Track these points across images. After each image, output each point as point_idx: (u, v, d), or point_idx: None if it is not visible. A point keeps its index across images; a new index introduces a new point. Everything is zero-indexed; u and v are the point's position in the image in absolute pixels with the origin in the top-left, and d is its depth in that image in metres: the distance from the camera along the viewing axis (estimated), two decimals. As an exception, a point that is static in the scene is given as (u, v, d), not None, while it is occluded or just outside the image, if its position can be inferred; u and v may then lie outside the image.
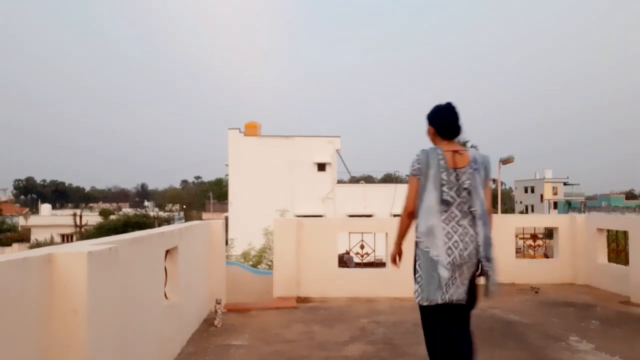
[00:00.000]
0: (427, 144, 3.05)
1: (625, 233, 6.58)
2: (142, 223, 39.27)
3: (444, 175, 2.82)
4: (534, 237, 7.92)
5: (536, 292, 6.45)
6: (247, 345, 4.21)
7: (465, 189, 2.84)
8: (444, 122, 3.00)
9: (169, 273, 3.88)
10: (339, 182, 30.77)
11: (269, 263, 13.82)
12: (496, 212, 28.59)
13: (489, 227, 2.91)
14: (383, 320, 5.05)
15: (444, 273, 2.75)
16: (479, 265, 2.88)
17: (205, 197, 67.79)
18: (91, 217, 45.95)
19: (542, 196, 72.76)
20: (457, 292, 2.80)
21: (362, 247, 6.73)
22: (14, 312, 1.83)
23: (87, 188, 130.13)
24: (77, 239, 33.41)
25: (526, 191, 77.23)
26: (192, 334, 4.48)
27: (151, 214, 50.46)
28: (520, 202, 76.77)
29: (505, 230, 7.30)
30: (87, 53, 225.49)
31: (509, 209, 68.95)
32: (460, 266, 2.80)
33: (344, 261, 8.75)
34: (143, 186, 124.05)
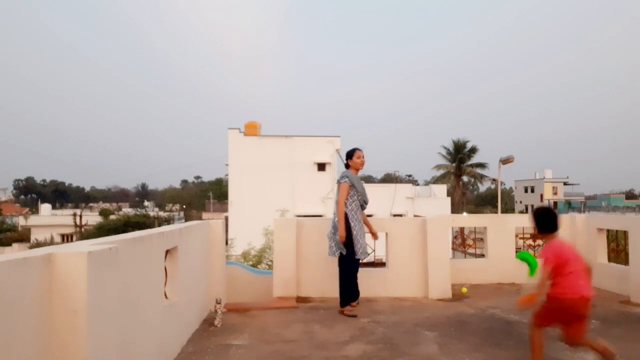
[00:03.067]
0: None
1: (625, 233, 6.58)
2: (142, 223, 39.23)
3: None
4: (534, 237, 7.92)
5: (536, 292, 6.44)
6: (247, 345, 4.21)
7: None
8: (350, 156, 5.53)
9: (169, 273, 3.88)
10: (339, 182, 30.71)
11: (269, 263, 13.81)
12: (496, 212, 28.59)
13: (335, 216, 5.39)
14: (383, 320, 5.05)
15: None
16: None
17: (205, 197, 67.75)
18: (91, 217, 45.90)
19: (542, 196, 72.70)
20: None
21: (362, 247, 6.74)
22: (14, 311, 1.83)
23: (87, 188, 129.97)
24: (77, 239, 33.39)
25: (526, 191, 77.18)
26: (192, 334, 4.48)
27: (151, 214, 50.38)
28: (520, 202, 76.71)
29: (505, 230, 7.30)
30: (87, 52, 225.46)
31: (509, 208, 68.93)
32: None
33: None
34: (143, 186, 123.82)
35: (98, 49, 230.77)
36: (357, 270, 5.47)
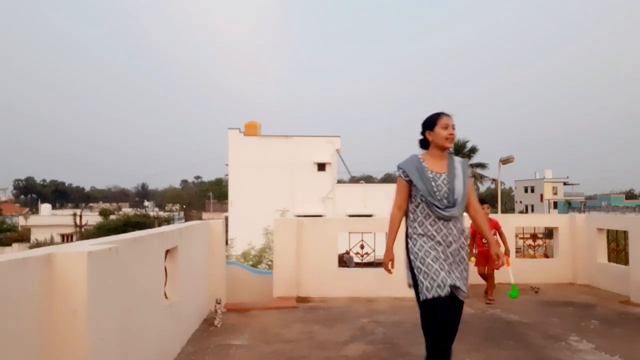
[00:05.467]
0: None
1: (625, 233, 6.58)
2: (142, 223, 39.23)
3: None
4: (534, 237, 7.92)
5: (536, 292, 6.46)
6: (247, 345, 4.21)
7: None
8: None
9: (169, 273, 3.88)
10: (339, 182, 30.77)
11: (269, 263, 13.82)
12: (496, 212, 28.62)
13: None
14: (383, 320, 5.06)
15: None
16: None
17: (205, 197, 67.79)
18: (91, 217, 45.90)
19: (542, 196, 72.78)
20: None
21: (362, 247, 6.73)
22: (14, 312, 1.83)
23: (87, 188, 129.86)
24: (77, 239, 33.40)
25: (526, 191, 77.24)
26: (192, 334, 4.49)
27: (151, 214, 50.43)
28: (520, 202, 76.77)
29: (505, 230, 7.30)
30: (86, 51, 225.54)
31: (509, 208, 69.00)
32: None
33: (344, 261, 8.75)
34: (143, 186, 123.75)
35: (98, 47, 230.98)
36: (437, 326, 3.01)
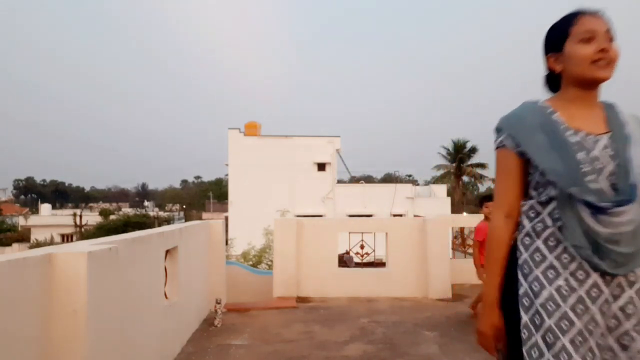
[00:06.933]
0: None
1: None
2: (142, 223, 39.22)
3: None
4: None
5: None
6: (247, 345, 4.21)
7: None
8: None
9: (169, 273, 3.88)
10: (339, 182, 30.76)
11: (269, 263, 13.82)
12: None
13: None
14: (383, 320, 5.06)
15: None
16: None
17: (205, 197, 67.79)
18: (91, 217, 45.91)
19: (542, 196, 72.77)
20: None
21: (362, 247, 6.74)
22: (14, 312, 1.83)
23: (87, 188, 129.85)
24: (77, 239, 33.40)
25: (526, 191, 77.26)
26: (192, 334, 4.49)
27: (151, 214, 50.46)
28: (520, 202, 76.80)
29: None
30: (87, 51, 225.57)
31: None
32: None
33: (344, 261, 8.75)
34: (143, 186, 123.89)
35: (98, 47, 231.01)
36: None
